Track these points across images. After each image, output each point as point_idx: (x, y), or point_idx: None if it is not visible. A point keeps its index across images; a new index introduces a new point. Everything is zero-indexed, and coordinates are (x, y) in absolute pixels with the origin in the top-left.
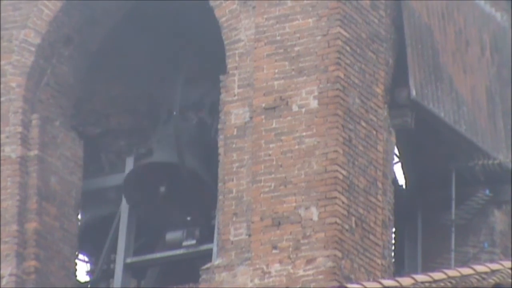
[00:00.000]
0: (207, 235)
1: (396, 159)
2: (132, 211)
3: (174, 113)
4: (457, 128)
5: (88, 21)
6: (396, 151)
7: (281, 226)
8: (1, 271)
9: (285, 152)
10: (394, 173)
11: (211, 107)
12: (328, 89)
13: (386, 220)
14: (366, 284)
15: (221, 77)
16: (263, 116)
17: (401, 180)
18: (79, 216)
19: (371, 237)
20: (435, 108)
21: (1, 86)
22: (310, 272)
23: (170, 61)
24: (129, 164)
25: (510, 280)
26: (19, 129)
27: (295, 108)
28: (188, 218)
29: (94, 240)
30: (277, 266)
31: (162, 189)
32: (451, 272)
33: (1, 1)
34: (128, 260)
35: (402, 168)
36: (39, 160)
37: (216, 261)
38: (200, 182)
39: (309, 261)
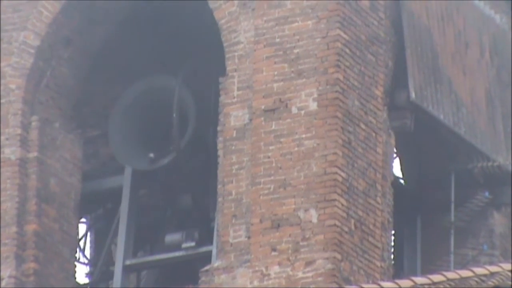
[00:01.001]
0: (207, 237)
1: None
2: (132, 212)
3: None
4: (457, 130)
5: (88, 23)
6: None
7: (280, 228)
8: (1, 273)
9: (284, 154)
10: (393, 174)
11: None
12: (328, 91)
13: (385, 222)
14: (365, 286)
15: (221, 79)
16: (262, 118)
17: (401, 180)
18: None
19: (370, 239)
20: (434, 110)
21: (1, 88)
22: (310, 274)
23: (169, 63)
24: (128, 166)
25: (509, 282)
26: (19, 131)
27: (294, 110)
28: (151, 155)
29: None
30: (276, 268)
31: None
32: (450, 275)
33: (1, 2)
34: (127, 262)
35: (402, 170)
36: (38, 162)
37: (216, 263)
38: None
39: (308, 263)
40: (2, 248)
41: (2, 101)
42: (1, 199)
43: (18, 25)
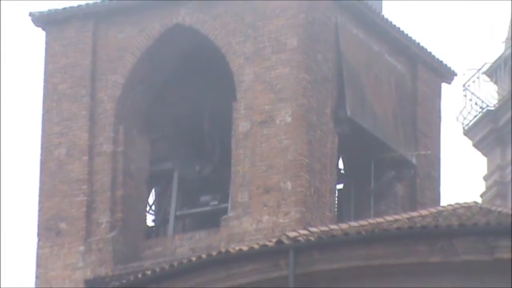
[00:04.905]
0: (225, 198)
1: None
2: (181, 184)
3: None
4: (375, 134)
5: (154, 67)
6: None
7: (269, 193)
8: (100, 220)
9: (271, 148)
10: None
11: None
12: (298, 110)
13: (332, 189)
14: (320, 228)
15: (233, 103)
16: (258, 127)
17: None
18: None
19: (323, 199)
20: (362, 122)
21: (100, 109)
22: (287, 221)
23: (203, 94)
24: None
25: (406, 226)
26: (111, 134)
27: (277, 122)
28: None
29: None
30: (266, 217)
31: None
32: (371, 220)
33: (98, 55)
34: (178, 213)
35: (342, 159)
36: (123, 154)
37: (230, 214)
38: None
39: (286, 214)
40: (102, 205)
41: (101, 116)
42: (101, 176)
43: (112, 71)
